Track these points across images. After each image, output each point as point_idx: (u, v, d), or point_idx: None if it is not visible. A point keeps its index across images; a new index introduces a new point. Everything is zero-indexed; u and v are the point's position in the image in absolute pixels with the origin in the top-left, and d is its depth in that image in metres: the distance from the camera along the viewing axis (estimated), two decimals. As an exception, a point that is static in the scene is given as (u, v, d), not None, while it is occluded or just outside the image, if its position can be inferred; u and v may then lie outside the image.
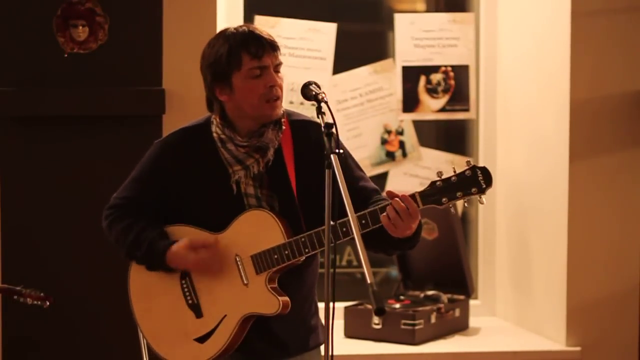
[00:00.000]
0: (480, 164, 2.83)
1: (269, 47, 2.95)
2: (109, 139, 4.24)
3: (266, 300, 2.96)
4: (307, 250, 2.91)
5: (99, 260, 4.23)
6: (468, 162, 2.80)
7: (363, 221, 2.83)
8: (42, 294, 3.65)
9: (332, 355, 2.70)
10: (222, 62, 2.94)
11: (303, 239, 2.91)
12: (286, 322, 3.01)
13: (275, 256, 2.94)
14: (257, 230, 2.96)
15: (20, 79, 4.20)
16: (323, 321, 2.81)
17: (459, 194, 2.79)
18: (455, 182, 2.79)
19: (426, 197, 2.81)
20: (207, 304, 3.03)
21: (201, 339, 3.03)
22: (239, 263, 2.99)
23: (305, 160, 2.98)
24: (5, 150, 4.23)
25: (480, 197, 2.79)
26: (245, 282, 2.98)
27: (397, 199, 2.79)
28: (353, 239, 2.76)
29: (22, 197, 4.23)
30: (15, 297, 3.68)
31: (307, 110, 3.19)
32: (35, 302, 3.65)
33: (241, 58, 2.93)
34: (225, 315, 3.00)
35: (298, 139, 3.01)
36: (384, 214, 2.80)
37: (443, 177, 2.80)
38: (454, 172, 2.81)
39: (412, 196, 2.80)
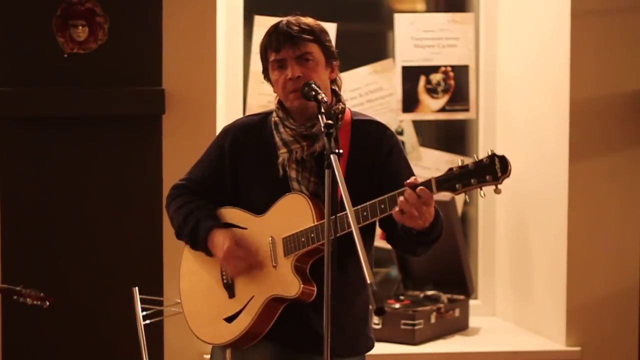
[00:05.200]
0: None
1: (286, 39, 2.99)
2: (109, 139, 4.24)
3: (288, 283, 2.96)
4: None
5: (99, 260, 4.23)
6: (490, 150, 2.75)
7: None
8: (42, 294, 3.64)
9: (332, 356, 2.69)
10: (261, 58, 3.08)
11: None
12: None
13: (303, 239, 2.95)
14: (292, 213, 2.98)
15: (20, 79, 4.20)
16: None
17: (473, 180, 2.73)
18: (472, 169, 2.73)
19: (441, 182, 2.76)
20: (240, 284, 3.05)
21: (229, 319, 3.05)
22: (271, 245, 3.01)
23: (358, 155, 2.98)
24: (5, 150, 4.23)
25: (496, 187, 2.72)
26: (274, 264, 3.00)
27: (402, 198, 2.76)
28: (393, 231, 2.87)
29: (22, 197, 4.23)
30: (15, 297, 3.68)
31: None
32: (35, 302, 3.65)
33: (267, 53, 3.03)
34: (253, 297, 3.02)
35: (356, 137, 3.01)
36: (397, 207, 2.78)
37: (462, 164, 2.75)
38: (475, 159, 2.75)
39: (428, 182, 2.77)
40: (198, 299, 3.13)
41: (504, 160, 2.72)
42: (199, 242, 3.09)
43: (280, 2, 4.71)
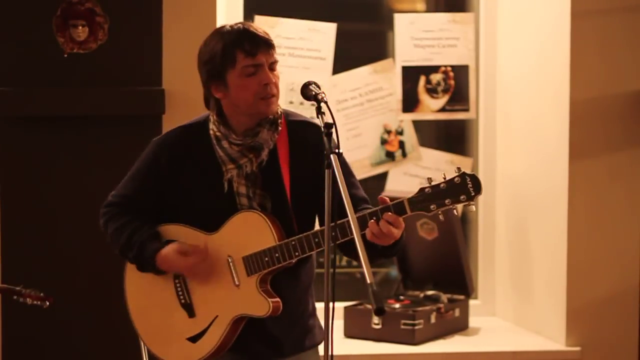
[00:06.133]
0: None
1: (264, 44, 2.94)
2: (109, 139, 4.24)
3: (257, 302, 2.96)
4: (297, 253, 2.90)
5: (98, 260, 4.23)
6: (458, 169, 2.77)
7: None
8: (42, 294, 3.64)
9: (332, 356, 2.70)
10: (217, 60, 2.94)
11: (293, 243, 2.90)
12: (281, 322, 3.00)
13: (266, 259, 2.94)
14: (249, 231, 2.96)
15: (20, 79, 4.20)
16: (322, 321, 2.81)
17: (447, 201, 2.75)
18: (444, 189, 2.75)
19: (415, 204, 2.78)
20: (199, 303, 3.04)
21: (193, 339, 3.04)
22: (230, 264, 2.99)
23: (300, 161, 2.97)
24: (5, 150, 4.23)
25: (470, 205, 2.75)
26: (236, 283, 2.99)
27: (383, 221, 2.76)
28: (349, 241, 2.79)
29: (22, 197, 4.23)
30: (15, 297, 3.68)
31: (307, 111, 3.19)
32: (35, 302, 3.65)
33: (235, 56, 2.92)
34: (217, 316, 3.01)
35: (294, 140, 3.00)
36: (367, 228, 2.78)
37: (432, 183, 2.77)
38: (444, 178, 2.77)
39: (401, 203, 2.78)
40: (153, 319, 3.11)
41: (475, 180, 2.75)
42: (145, 266, 3.06)
43: (280, 2, 4.71)
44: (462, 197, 2.75)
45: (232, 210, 2.99)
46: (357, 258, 2.90)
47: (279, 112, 3.02)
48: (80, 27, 4.19)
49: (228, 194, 2.99)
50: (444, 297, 4.53)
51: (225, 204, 2.99)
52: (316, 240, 2.85)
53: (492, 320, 4.78)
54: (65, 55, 4.20)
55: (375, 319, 4.33)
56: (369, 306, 4.39)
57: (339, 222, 2.79)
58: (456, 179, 2.75)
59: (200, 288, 3.03)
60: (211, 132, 3.02)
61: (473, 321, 4.62)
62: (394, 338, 4.33)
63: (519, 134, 4.65)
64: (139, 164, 3.13)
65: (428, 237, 4.57)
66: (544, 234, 4.47)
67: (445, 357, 4.29)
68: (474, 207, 2.79)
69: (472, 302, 4.68)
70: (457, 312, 4.53)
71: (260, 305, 2.95)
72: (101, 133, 4.24)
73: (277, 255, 2.92)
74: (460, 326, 4.55)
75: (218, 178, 2.99)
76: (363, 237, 2.77)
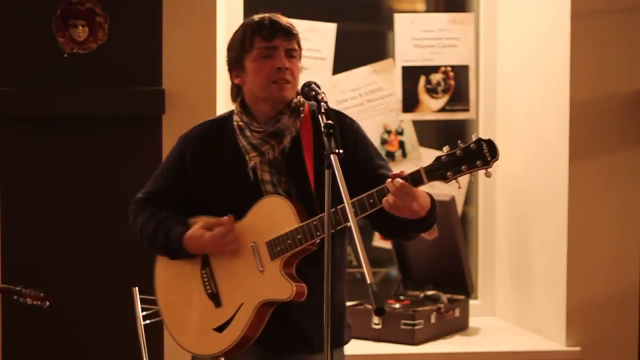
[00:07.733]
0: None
1: (282, 31, 2.99)
2: (109, 139, 4.24)
3: (280, 286, 2.95)
4: (318, 233, 2.89)
5: (98, 260, 4.23)
6: (474, 135, 2.75)
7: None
8: (42, 294, 3.65)
9: (331, 356, 2.69)
10: (237, 46, 3.02)
11: (315, 222, 2.90)
12: (308, 315, 2.98)
13: (289, 241, 2.94)
14: (273, 216, 2.97)
15: (20, 79, 4.20)
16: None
17: (464, 167, 2.73)
18: (461, 155, 2.73)
19: (431, 172, 2.76)
20: (225, 292, 3.04)
21: (220, 328, 3.04)
22: (255, 250, 3.00)
23: (323, 148, 2.97)
24: (5, 150, 4.23)
25: (487, 171, 2.73)
26: (260, 269, 2.99)
27: (389, 180, 2.77)
28: (378, 216, 2.83)
29: (22, 197, 4.23)
30: (15, 297, 3.68)
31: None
32: (35, 302, 3.65)
33: (253, 40, 2.99)
34: (242, 304, 3.01)
35: (318, 128, 2.99)
36: (385, 197, 2.78)
37: (449, 151, 2.76)
38: (460, 146, 2.75)
39: (417, 172, 2.77)
40: (181, 312, 3.11)
41: (491, 144, 2.73)
42: (175, 251, 3.08)
43: (280, 2, 4.71)
44: (478, 162, 2.72)
45: (258, 198, 3.00)
46: (389, 233, 3.02)
47: (300, 100, 3.02)
48: (80, 27, 4.19)
49: (254, 182, 3.01)
50: (444, 297, 4.53)
51: (252, 192, 3.00)
52: (337, 217, 2.83)
53: (492, 320, 4.78)
54: (65, 55, 4.20)
55: (375, 319, 4.33)
56: (369, 306, 4.39)
57: (340, 206, 2.80)
58: (472, 145, 2.73)
59: (226, 277, 3.04)
60: (235, 123, 3.05)
61: (473, 321, 4.62)
62: (394, 338, 4.33)
63: (518, 134, 4.65)
64: (165, 159, 3.18)
65: (428, 237, 4.56)
66: (543, 234, 4.47)
67: (445, 357, 4.29)
68: (491, 172, 2.74)
69: (472, 302, 4.68)
70: (457, 312, 4.53)
71: (283, 288, 2.94)
72: (101, 133, 4.24)
73: (299, 236, 2.92)
74: (460, 326, 4.55)
75: (243, 168, 3.01)
76: (384, 214, 2.80)
